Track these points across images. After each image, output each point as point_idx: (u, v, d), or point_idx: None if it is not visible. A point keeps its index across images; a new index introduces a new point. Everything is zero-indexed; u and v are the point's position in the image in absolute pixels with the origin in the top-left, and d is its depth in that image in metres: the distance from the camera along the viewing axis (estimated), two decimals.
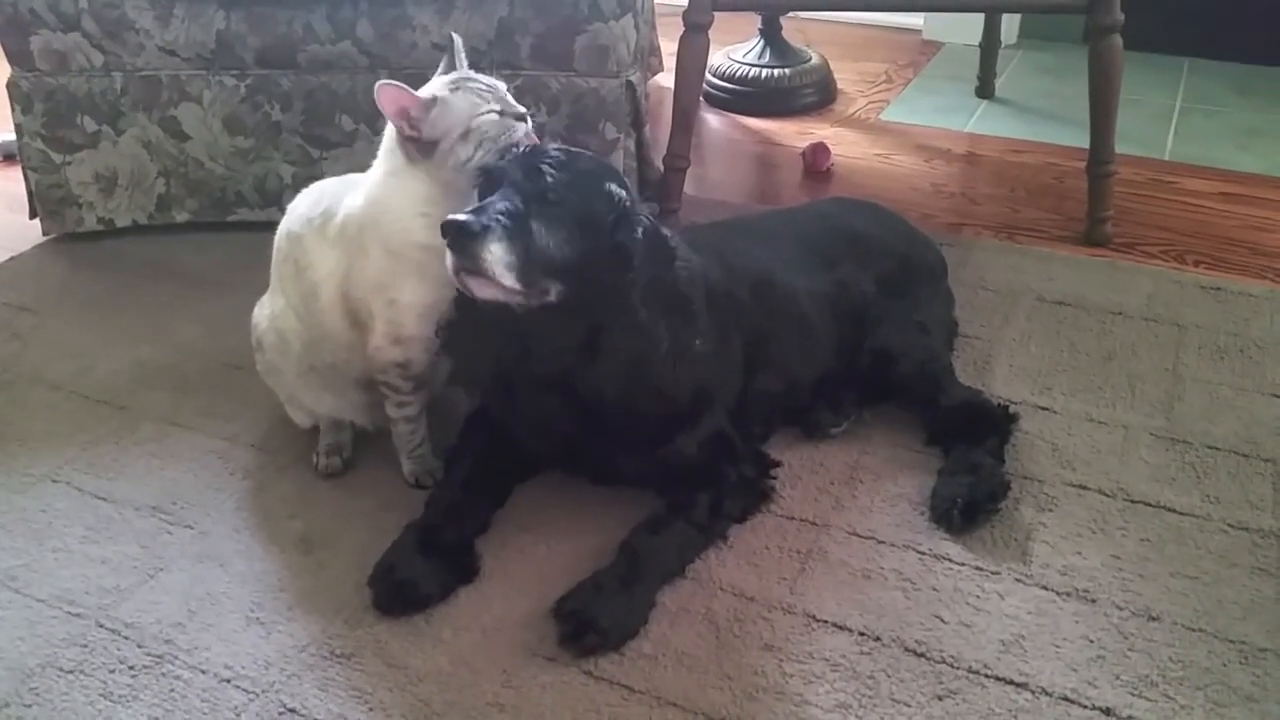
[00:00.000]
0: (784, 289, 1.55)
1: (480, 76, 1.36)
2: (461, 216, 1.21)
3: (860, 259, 1.64)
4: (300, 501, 1.49)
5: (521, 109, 1.36)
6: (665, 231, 1.35)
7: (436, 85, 1.36)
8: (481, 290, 1.23)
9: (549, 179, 1.25)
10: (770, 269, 1.55)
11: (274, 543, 1.42)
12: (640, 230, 1.29)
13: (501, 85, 1.37)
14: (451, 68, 1.39)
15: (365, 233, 1.36)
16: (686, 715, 1.18)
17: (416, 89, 2.02)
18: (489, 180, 1.29)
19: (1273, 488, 1.47)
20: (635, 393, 1.34)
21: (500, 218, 1.21)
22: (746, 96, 2.78)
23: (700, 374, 1.39)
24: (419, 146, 1.32)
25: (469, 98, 1.33)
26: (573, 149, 1.35)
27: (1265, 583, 1.33)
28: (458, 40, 1.41)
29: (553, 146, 1.32)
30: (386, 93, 1.29)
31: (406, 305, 1.36)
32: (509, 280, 1.21)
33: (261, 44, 2.01)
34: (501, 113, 1.33)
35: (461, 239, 1.20)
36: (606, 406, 1.35)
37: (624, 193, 1.31)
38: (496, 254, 1.20)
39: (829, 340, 1.58)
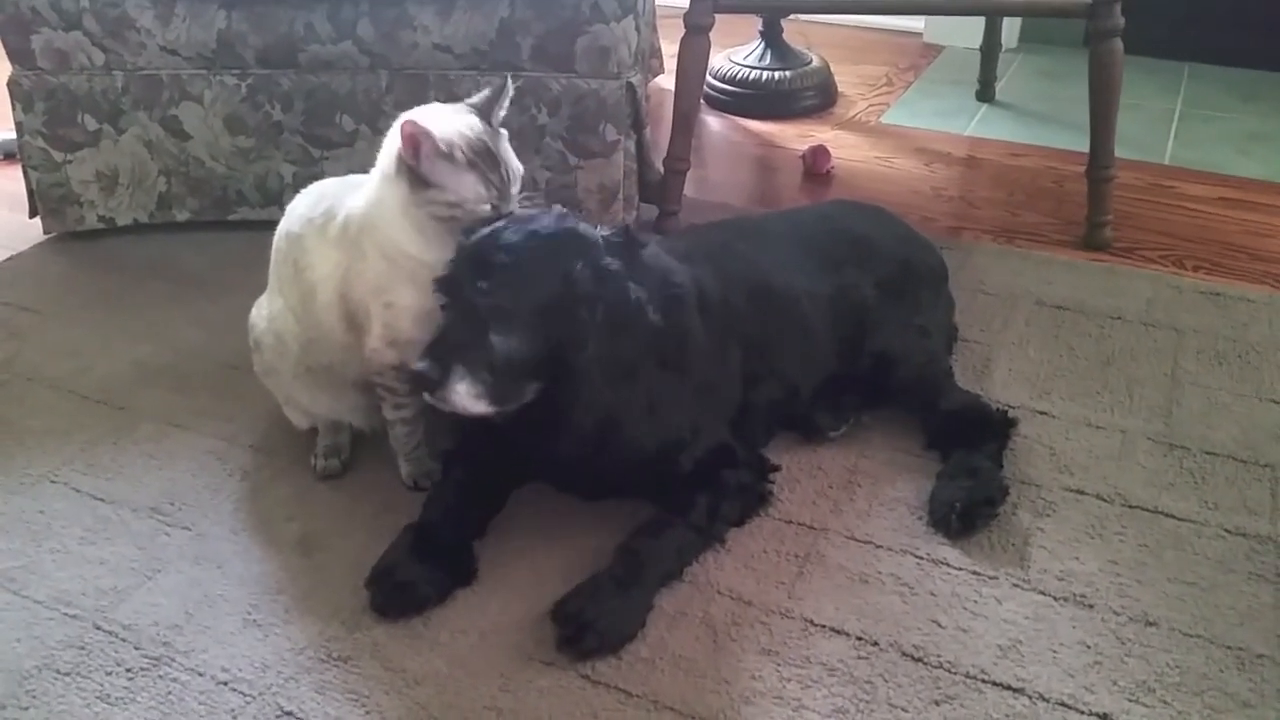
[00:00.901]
0: (783, 294, 1.55)
1: (505, 154, 1.34)
2: (421, 365, 1.23)
3: (862, 262, 1.64)
4: (298, 503, 1.49)
5: (514, 207, 1.35)
6: (633, 291, 1.27)
7: (460, 132, 1.31)
8: (464, 413, 1.25)
9: (501, 280, 1.23)
10: (769, 274, 1.55)
11: (272, 544, 1.42)
12: (599, 308, 1.24)
13: (517, 171, 1.36)
14: (491, 107, 1.36)
15: (364, 235, 1.36)
16: (684, 719, 1.18)
17: (416, 90, 2.02)
18: (444, 286, 1.30)
19: (1270, 493, 1.48)
20: (612, 454, 1.33)
21: (459, 352, 1.22)
22: (747, 99, 2.78)
23: (689, 413, 1.39)
24: (411, 175, 1.31)
25: (477, 187, 1.31)
26: (530, 221, 1.30)
27: (1262, 588, 1.33)
28: (510, 86, 1.38)
29: (506, 231, 1.28)
30: (411, 127, 1.28)
31: (402, 309, 1.36)
32: (483, 408, 1.24)
33: (262, 43, 2.01)
34: (495, 206, 1.33)
35: (428, 388, 1.23)
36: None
37: (579, 265, 1.26)
38: (464, 391, 1.23)
39: (829, 344, 1.58)
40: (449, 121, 1.33)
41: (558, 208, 1.38)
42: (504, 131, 1.38)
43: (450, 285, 1.29)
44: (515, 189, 1.37)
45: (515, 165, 1.37)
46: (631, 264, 1.32)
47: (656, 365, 1.33)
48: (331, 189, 1.45)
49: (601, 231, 1.35)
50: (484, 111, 1.37)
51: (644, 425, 1.34)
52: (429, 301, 1.34)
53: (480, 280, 1.24)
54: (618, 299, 1.26)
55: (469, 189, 1.31)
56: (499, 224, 1.30)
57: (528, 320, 1.24)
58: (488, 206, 1.33)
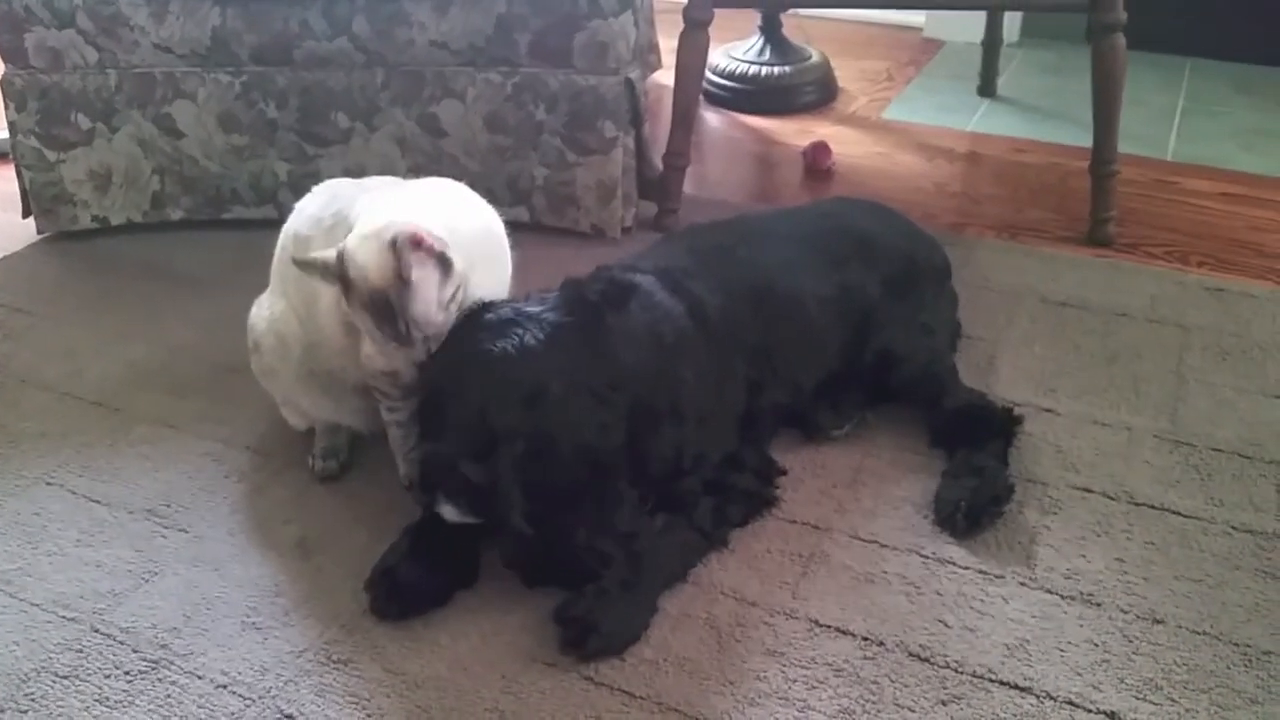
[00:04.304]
0: (787, 295, 1.53)
1: (410, 308, 1.22)
2: (417, 495, 1.31)
3: (866, 260, 1.62)
4: (296, 505, 1.47)
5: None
6: (570, 409, 1.25)
7: (363, 274, 1.22)
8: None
9: (439, 430, 1.27)
10: (772, 276, 1.54)
11: (270, 546, 1.41)
12: (518, 444, 1.22)
13: (426, 325, 1.24)
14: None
15: None
16: None
17: (412, 87, 2.01)
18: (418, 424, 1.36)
19: (1276, 490, 1.46)
20: (568, 564, 1.29)
21: (439, 485, 1.26)
22: (747, 94, 2.77)
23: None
24: None
25: (372, 329, 1.25)
26: (462, 362, 1.27)
27: (1269, 585, 1.32)
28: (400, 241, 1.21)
29: (424, 383, 1.31)
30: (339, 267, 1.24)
31: None
32: (471, 519, 1.27)
33: (257, 41, 1.99)
34: (404, 350, 1.27)
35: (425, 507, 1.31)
36: None
37: (493, 404, 1.23)
38: (450, 512, 1.27)
39: (833, 342, 1.57)
40: (367, 259, 1.23)
41: (492, 314, 1.31)
42: (423, 278, 1.22)
43: (418, 423, 1.36)
44: (425, 348, 1.27)
45: (426, 320, 1.24)
46: (603, 335, 1.31)
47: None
48: (345, 190, 1.41)
49: (551, 314, 1.30)
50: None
51: (596, 540, 1.29)
52: None
53: (428, 430, 1.31)
54: (541, 429, 1.23)
55: (368, 326, 1.26)
56: (427, 375, 1.31)
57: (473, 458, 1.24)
58: (392, 345, 1.26)
